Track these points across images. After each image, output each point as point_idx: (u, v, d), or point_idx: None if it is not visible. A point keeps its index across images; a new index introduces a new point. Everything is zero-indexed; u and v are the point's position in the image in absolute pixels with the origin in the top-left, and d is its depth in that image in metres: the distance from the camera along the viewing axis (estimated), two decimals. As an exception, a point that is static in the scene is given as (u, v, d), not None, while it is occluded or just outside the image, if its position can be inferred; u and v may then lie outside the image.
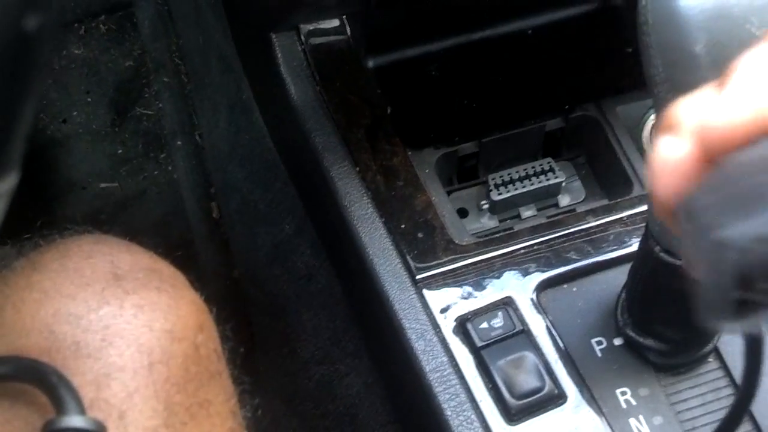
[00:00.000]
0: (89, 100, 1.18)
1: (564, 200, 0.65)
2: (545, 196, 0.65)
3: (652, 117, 0.63)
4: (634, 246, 0.57)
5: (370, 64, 0.66)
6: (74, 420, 0.35)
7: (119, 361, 0.40)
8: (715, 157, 0.26)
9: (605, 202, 0.62)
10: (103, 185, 1.14)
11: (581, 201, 0.65)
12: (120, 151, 1.16)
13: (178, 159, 1.15)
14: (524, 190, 0.64)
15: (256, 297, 0.95)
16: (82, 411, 0.36)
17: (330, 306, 0.81)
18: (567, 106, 0.66)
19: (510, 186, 0.64)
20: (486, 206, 0.65)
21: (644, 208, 0.60)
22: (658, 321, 0.54)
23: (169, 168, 1.16)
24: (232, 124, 0.97)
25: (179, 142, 1.15)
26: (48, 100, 1.17)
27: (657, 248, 0.49)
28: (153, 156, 1.16)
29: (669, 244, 0.48)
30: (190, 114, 1.15)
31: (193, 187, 1.13)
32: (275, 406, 0.77)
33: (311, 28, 0.68)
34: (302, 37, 0.67)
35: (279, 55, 0.67)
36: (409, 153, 0.64)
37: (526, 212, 0.65)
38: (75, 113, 1.17)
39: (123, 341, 0.41)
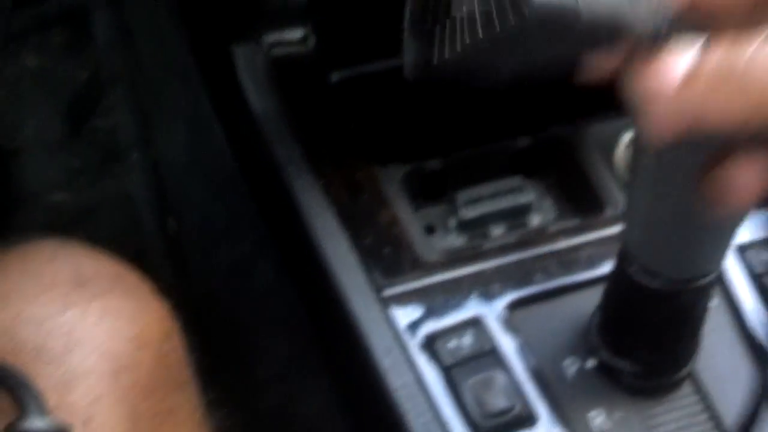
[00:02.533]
0: (43, 111, 1.15)
1: (534, 220, 0.64)
2: (515, 216, 0.63)
3: (626, 138, 0.62)
4: (606, 267, 0.55)
5: (334, 78, 0.65)
6: (37, 422, 0.32)
7: (83, 366, 0.38)
8: None
9: (577, 222, 0.61)
10: (57, 198, 1.11)
11: (552, 221, 0.63)
12: (75, 164, 1.14)
13: (134, 173, 1.13)
14: (493, 208, 0.62)
15: (213, 315, 0.93)
16: (45, 413, 0.34)
17: (290, 325, 0.79)
18: (538, 125, 0.64)
19: (479, 204, 0.62)
20: (454, 224, 0.63)
21: (617, 229, 0.58)
22: (633, 343, 0.52)
23: (125, 182, 1.13)
24: (190, 137, 0.95)
25: (135, 156, 1.12)
26: (0, 111, 1.14)
27: (632, 267, 0.48)
28: (109, 169, 1.14)
29: (646, 261, 0.47)
30: (147, 127, 1.13)
31: (149, 202, 1.11)
32: (233, 428, 0.75)
33: (273, 40, 0.66)
34: (264, 49, 0.66)
35: (240, 67, 0.65)
36: (375, 168, 0.62)
37: (495, 231, 0.63)
38: (29, 125, 1.15)
39: (87, 347, 0.39)
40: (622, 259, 0.49)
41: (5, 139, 1.15)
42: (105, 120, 1.17)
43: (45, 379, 0.37)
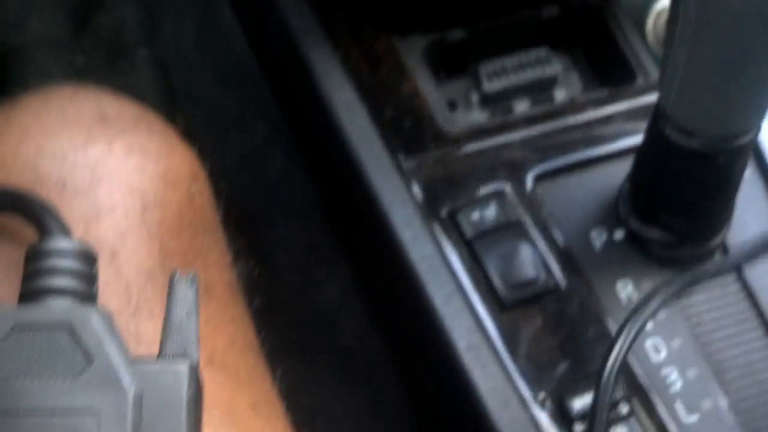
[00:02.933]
0: (48, 8, 1.12)
1: (560, 94, 0.61)
2: (540, 89, 0.61)
3: (658, 6, 0.59)
4: (636, 139, 0.53)
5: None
6: (61, 242, 0.30)
7: (109, 200, 0.36)
8: None
9: (606, 92, 0.58)
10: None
11: (579, 93, 0.61)
12: (80, 61, 1.11)
13: (141, 68, 1.10)
14: (518, 81, 0.60)
15: (227, 207, 0.91)
16: (68, 235, 0.32)
17: (304, 213, 0.78)
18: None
19: (502, 76, 0.60)
20: (476, 99, 0.61)
21: (648, 99, 0.56)
22: (664, 209, 0.50)
23: (132, 78, 1.11)
24: (198, 29, 0.93)
25: (142, 51, 1.10)
26: (5, 8, 1.11)
27: (668, 128, 0.46)
28: (115, 66, 1.11)
29: (683, 119, 0.45)
30: (153, 21, 1.10)
31: (156, 98, 1.09)
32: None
33: None
34: None
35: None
36: (394, 39, 0.60)
37: (520, 106, 0.61)
38: (33, 22, 1.12)
39: (113, 181, 0.37)
40: (657, 120, 0.47)
41: (10, 36, 1.12)
42: (110, 16, 1.14)
43: (70, 213, 0.35)
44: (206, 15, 0.89)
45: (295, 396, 0.41)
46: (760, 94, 0.43)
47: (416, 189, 0.55)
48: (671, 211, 0.50)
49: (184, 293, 0.29)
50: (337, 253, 0.73)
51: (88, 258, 0.30)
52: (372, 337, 0.70)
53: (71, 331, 0.26)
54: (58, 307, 0.28)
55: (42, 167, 0.36)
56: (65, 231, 0.32)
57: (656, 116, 0.47)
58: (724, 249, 0.52)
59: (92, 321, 0.27)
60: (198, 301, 0.29)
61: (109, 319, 0.27)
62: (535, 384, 0.49)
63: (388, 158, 0.55)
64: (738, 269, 0.51)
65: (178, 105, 1.07)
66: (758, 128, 0.46)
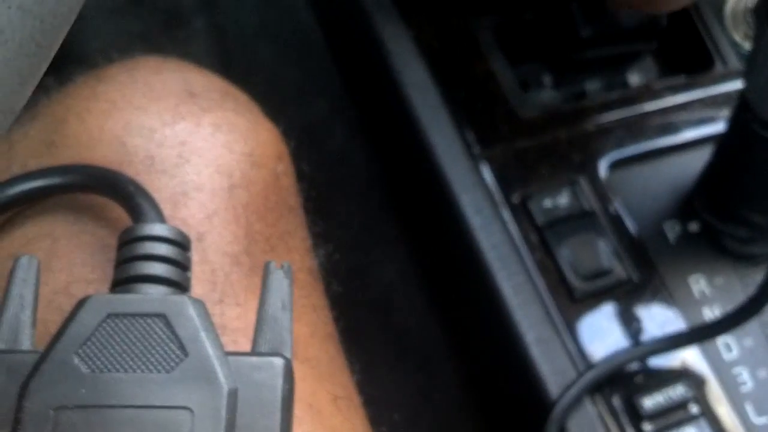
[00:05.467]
0: (106, -25, 1.12)
1: (633, 79, 0.60)
2: (614, 70, 0.59)
3: (738, -10, 0.58)
4: (715, 127, 0.52)
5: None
6: (157, 228, 0.29)
7: (197, 179, 0.35)
8: None
9: (683, 79, 0.57)
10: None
11: (653, 79, 0.60)
12: (137, 28, 1.10)
13: (198, 38, 1.10)
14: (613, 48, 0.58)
15: (305, 191, 0.91)
16: (163, 221, 0.31)
17: (363, 191, 0.77)
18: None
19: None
20: (549, 80, 0.60)
21: (728, 86, 0.55)
22: (742, 203, 0.49)
23: (189, 48, 1.10)
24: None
25: (200, 21, 1.09)
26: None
27: (753, 120, 0.45)
28: (171, 35, 1.10)
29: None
30: (212, -10, 1.09)
31: (214, 69, 1.08)
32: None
33: None
34: None
35: None
36: (468, 19, 0.59)
37: (591, 87, 0.60)
38: (91, -12, 1.12)
39: (201, 159, 0.35)
40: (742, 112, 0.45)
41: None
42: None
43: (157, 191, 0.33)
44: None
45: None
46: None
47: (487, 173, 0.54)
48: (750, 205, 0.49)
49: (280, 284, 0.28)
50: (396, 234, 0.72)
51: (183, 244, 0.30)
52: (428, 320, 0.69)
53: (166, 321, 0.26)
54: (153, 295, 0.27)
55: (129, 144, 0.35)
56: (159, 215, 0.31)
57: (741, 109, 0.45)
58: (801, 247, 0.51)
59: (188, 312, 0.26)
60: (292, 293, 0.28)
61: (203, 310, 0.27)
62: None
63: (459, 141, 0.54)
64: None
65: (236, 77, 1.06)
66: None
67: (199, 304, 0.27)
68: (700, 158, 0.52)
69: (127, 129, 0.35)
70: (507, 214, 0.52)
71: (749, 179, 0.48)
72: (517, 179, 0.54)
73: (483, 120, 0.55)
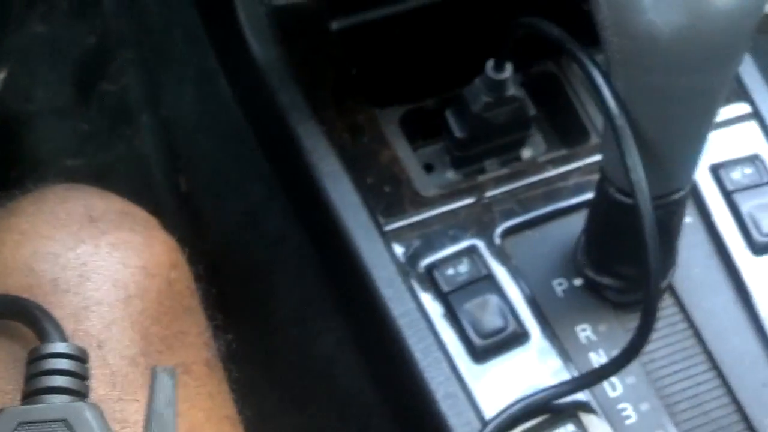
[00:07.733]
0: (52, 77, 1.17)
1: (526, 153, 0.67)
2: (508, 150, 0.67)
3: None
4: (592, 192, 0.59)
5: (334, 26, 0.67)
6: (58, 346, 0.36)
7: (96, 295, 0.42)
8: None
9: (564, 152, 0.65)
10: (69, 163, 1.13)
11: (542, 153, 0.67)
12: (86, 128, 1.16)
13: (144, 134, 1.15)
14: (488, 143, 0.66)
15: (228, 265, 0.96)
16: (64, 339, 0.38)
17: (302, 268, 0.83)
18: (528, 63, 0.68)
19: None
20: (449, 161, 0.67)
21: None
22: (614, 259, 0.56)
23: (136, 143, 1.16)
24: (198, 95, 0.97)
25: (145, 117, 1.15)
26: (10, 79, 1.16)
27: (611, 189, 0.52)
28: (119, 132, 1.16)
29: (621, 182, 0.50)
30: (155, 88, 1.15)
31: (160, 162, 1.13)
32: (251, 372, 0.79)
33: (273, -10, 0.69)
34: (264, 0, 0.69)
35: (242, 18, 0.68)
36: (374, 110, 0.66)
37: (490, 165, 0.67)
38: (38, 91, 1.17)
39: (99, 277, 0.42)
40: (602, 182, 0.53)
41: (17, 105, 1.17)
42: (113, 83, 1.18)
43: (62, 309, 0.41)
44: (205, 80, 0.94)
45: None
46: (685, 160, 0.49)
47: (396, 248, 0.60)
48: (620, 260, 0.56)
49: (164, 384, 0.35)
50: (333, 307, 0.78)
51: (81, 358, 0.37)
52: (368, 386, 0.74)
53: (68, 425, 0.33)
54: (56, 404, 0.34)
55: (37, 269, 0.42)
56: (61, 334, 0.38)
57: (601, 178, 0.53)
58: (671, 290, 0.58)
59: (85, 415, 0.33)
60: (176, 391, 0.35)
61: (99, 412, 0.34)
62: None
63: (370, 221, 0.61)
64: (683, 308, 0.57)
65: (180, 167, 1.12)
66: (689, 185, 0.52)
67: (95, 408, 0.34)
68: (580, 221, 0.59)
69: (35, 256, 0.42)
70: (416, 284, 0.59)
71: (615, 238, 0.55)
72: (423, 251, 0.60)
73: (391, 201, 0.62)
